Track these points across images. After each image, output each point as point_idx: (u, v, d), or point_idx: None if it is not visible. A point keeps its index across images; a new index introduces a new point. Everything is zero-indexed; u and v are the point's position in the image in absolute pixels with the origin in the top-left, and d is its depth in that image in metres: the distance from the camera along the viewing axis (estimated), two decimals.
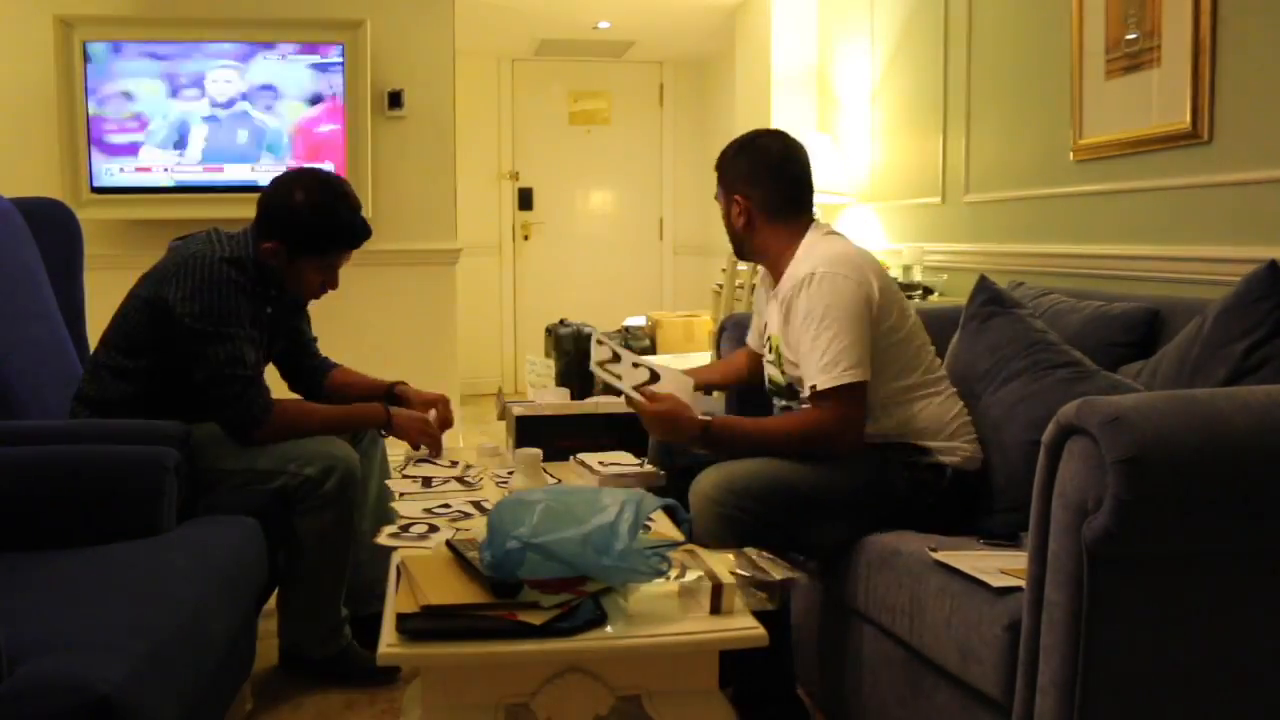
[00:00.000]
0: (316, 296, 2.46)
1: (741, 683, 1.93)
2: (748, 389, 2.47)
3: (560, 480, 2.17)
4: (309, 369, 2.66)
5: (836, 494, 1.97)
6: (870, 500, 1.97)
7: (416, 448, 2.44)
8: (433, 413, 2.51)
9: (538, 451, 2.00)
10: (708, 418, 2.05)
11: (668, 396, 2.08)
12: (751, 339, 2.49)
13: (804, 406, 2.10)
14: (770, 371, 2.25)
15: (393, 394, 2.59)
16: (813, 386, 2.00)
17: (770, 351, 2.24)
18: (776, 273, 2.21)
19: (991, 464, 2.05)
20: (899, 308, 2.09)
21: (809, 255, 2.11)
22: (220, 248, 2.26)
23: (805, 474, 1.97)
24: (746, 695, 1.93)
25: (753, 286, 4.28)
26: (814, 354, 2.00)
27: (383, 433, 2.53)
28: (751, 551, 1.65)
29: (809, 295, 2.02)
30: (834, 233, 2.20)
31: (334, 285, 2.43)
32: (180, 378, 2.24)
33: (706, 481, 1.92)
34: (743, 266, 4.53)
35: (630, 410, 2.12)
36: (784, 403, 2.24)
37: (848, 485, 1.98)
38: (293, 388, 2.66)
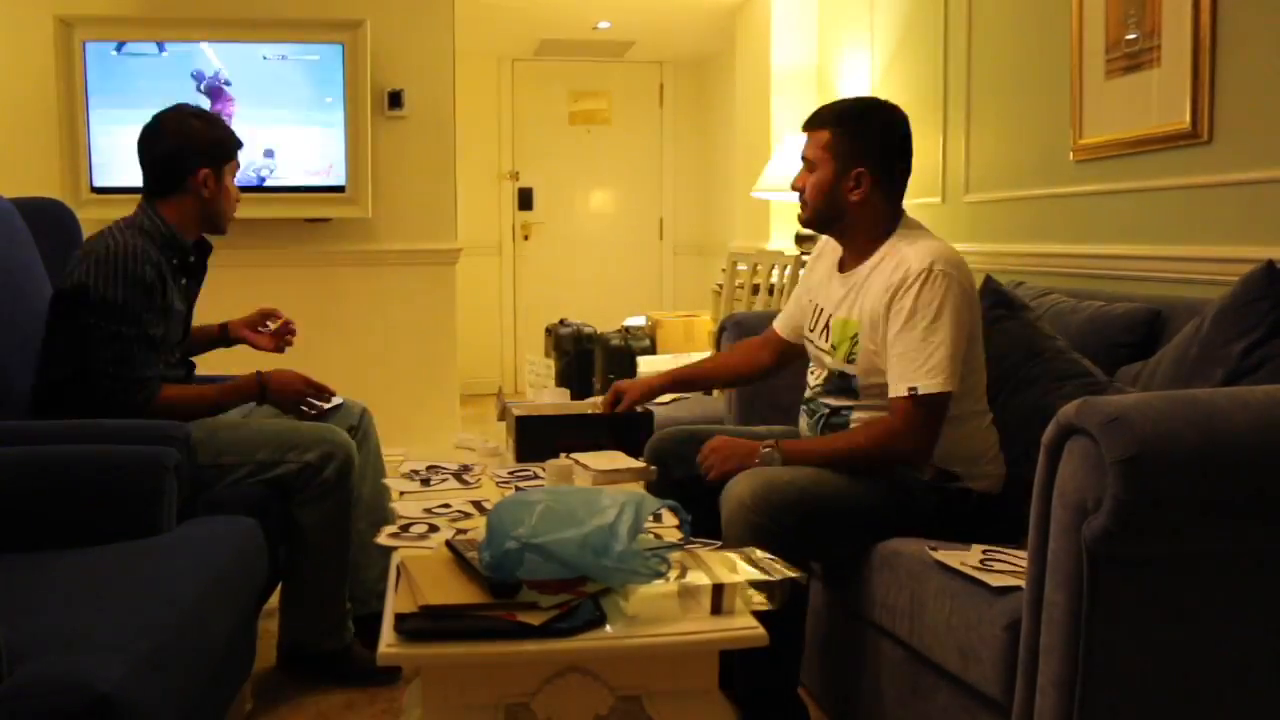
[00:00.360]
0: (234, 211, 2.48)
1: (744, 682, 1.93)
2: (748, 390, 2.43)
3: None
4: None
5: (865, 511, 1.92)
6: (896, 518, 1.93)
7: (302, 415, 2.42)
8: (271, 326, 2.58)
9: (569, 463, 1.99)
10: (770, 444, 2.00)
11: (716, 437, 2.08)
12: (785, 325, 2.36)
13: (859, 411, 2.03)
14: (823, 359, 2.13)
15: (225, 332, 2.63)
16: (911, 389, 1.90)
17: (825, 337, 2.14)
18: (858, 254, 2.08)
19: (1015, 477, 2.03)
20: (980, 333, 2.03)
21: (919, 246, 1.98)
22: (122, 240, 2.25)
23: (839, 490, 1.92)
24: (748, 694, 1.93)
25: (755, 286, 4.28)
26: (921, 353, 1.89)
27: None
28: (753, 551, 1.65)
29: (929, 290, 1.90)
30: (924, 228, 2.10)
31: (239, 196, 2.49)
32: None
33: (743, 489, 1.86)
34: (742, 266, 4.52)
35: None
36: (827, 400, 2.12)
37: (877, 503, 1.94)
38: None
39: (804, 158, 2.12)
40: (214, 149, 2.38)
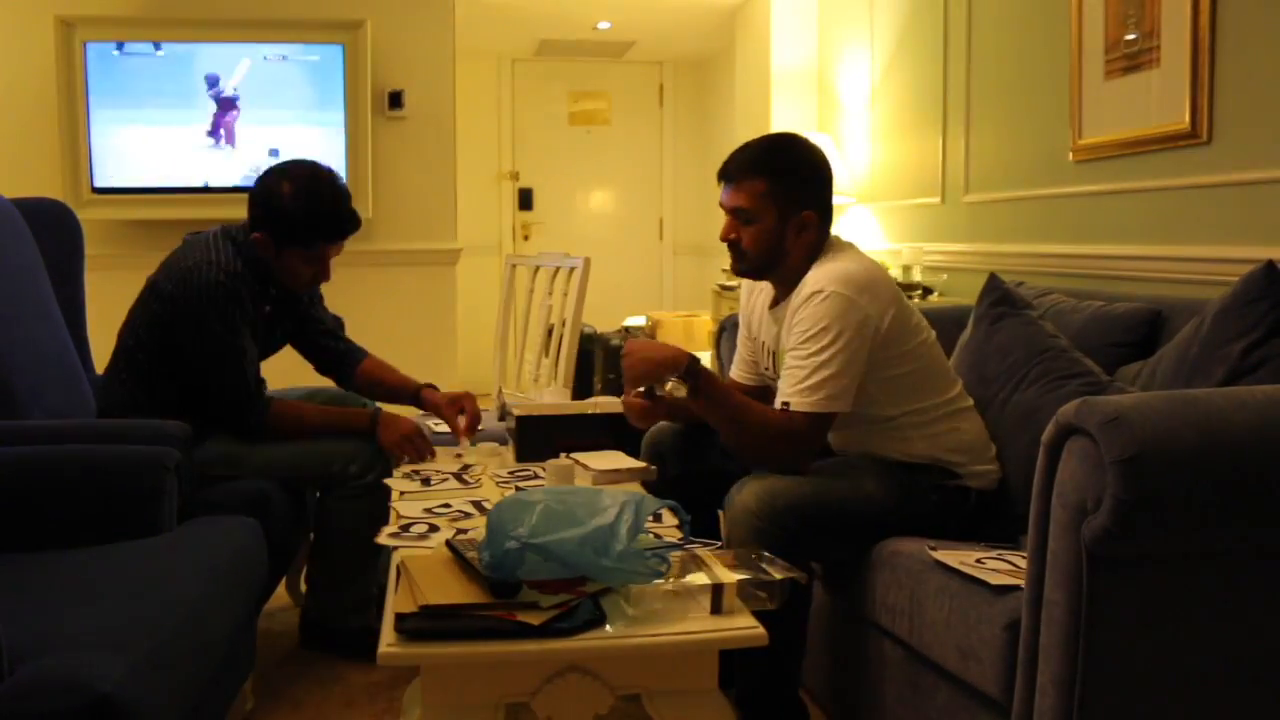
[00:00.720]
0: (307, 289, 2.50)
1: (744, 682, 1.93)
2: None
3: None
4: (334, 355, 2.67)
5: (869, 515, 1.93)
6: (899, 521, 1.93)
7: (399, 460, 2.41)
8: (462, 419, 2.54)
9: (569, 463, 1.99)
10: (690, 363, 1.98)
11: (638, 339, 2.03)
12: (742, 372, 2.34)
13: (836, 434, 2.05)
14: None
15: (419, 396, 2.62)
16: (785, 404, 1.93)
17: (775, 370, 2.15)
18: (787, 287, 2.08)
19: (1003, 474, 2.04)
20: (914, 329, 2.02)
21: (822, 271, 2.00)
22: (217, 257, 2.29)
23: (843, 494, 1.93)
24: (749, 695, 1.93)
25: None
26: (798, 372, 1.93)
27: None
28: (753, 552, 1.65)
29: (812, 311, 1.93)
30: (847, 245, 2.10)
31: (325, 277, 2.45)
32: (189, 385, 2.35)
33: (748, 494, 1.86)
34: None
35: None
36: None
37: (879, 507, 1.94)
38: (322, 372, 2.69)
39: (735, 208, 2.05)
40: (278, 224, 2.31)
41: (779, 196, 2.02)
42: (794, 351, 1.96)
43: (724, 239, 2.09)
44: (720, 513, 2.34)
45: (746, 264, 2.09)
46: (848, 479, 1.97)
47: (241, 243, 2.35)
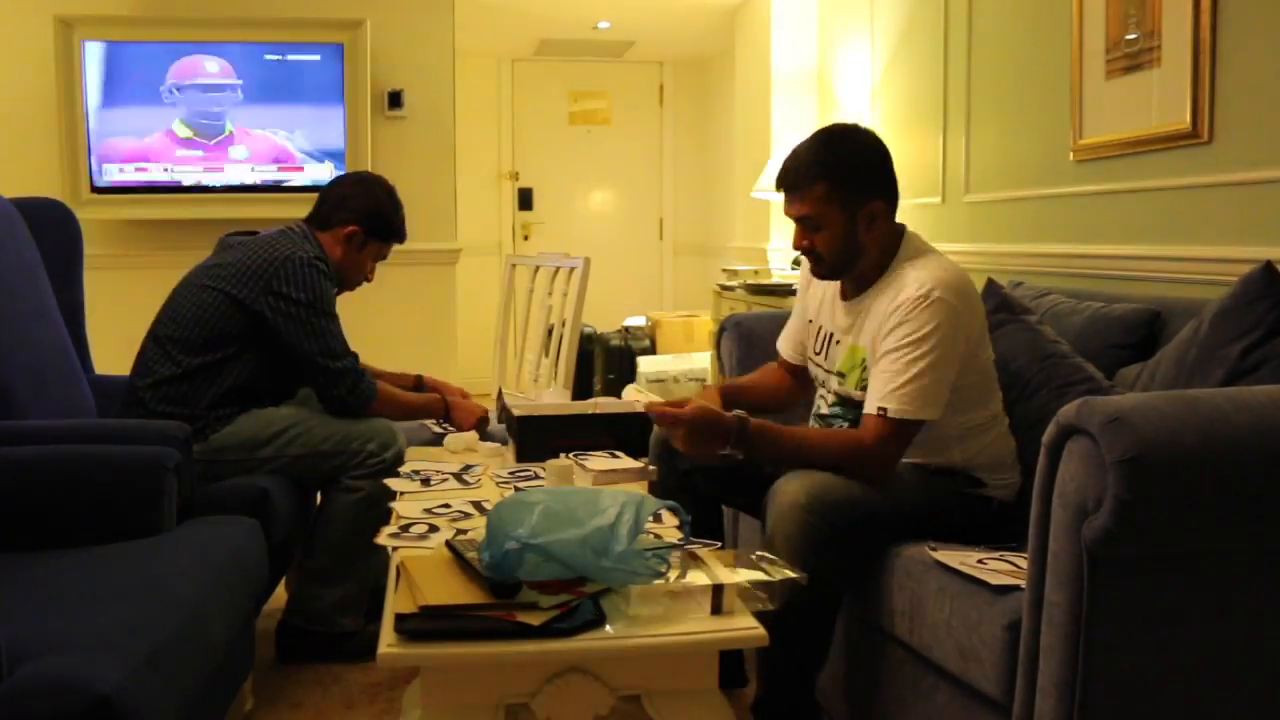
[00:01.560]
0: (357, 286, 2.69)
1: (765, 686, 1.92)
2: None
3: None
4: None
5: (903, 515, 1.92)
6: (927, 524, 1.92)
7: (471, 429, 2.61)
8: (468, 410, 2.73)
9: (569, 463, 1.99)
10: (741, 414, 1.94)
11: (691, 401, 1.97)
12: (788, 347, 2.31)
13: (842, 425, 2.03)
14: (835, 386, 2.10)
15: (421, 385, 2.83)
16: (881, 410, 1.88)
17: (833, 364, 2.10)
18: (863, 281, 2.04)
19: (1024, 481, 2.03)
20: (988, 342, 2.01)
21: (920, 270, 1.94)
22: (308, 250, 2.47)
23: (885, 495, 1.90)
24: (766, 698, 1.92)
25: (756, 286, 4.28)
26: (898, 376, 1.87)
27: (442, 423, 2.72)
28: (753, 552, 1.65)
29: (921, 314, 1.87)
30: (927, 245, 2.05)
31: (371, 277, 2.69)
32: (272, 366, 2.45)
33: (796, 487, 1.83)
34: (740, 267, 4.51)
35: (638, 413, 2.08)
36: (844, 424, 2.08)
37: (911, 508, 1.93)
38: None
39: (802, 216, 2.01)
40: (376, 220, 2.59)
41: (841, 197, 1.98)
42: (894, 354, 1.89)
43: (797, 248, 2.06)
44: (723, 508, 2.35)
45: (826, 268, 2.05)
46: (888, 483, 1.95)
47: (314, 241, 2.53)
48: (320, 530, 2.45)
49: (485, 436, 2.62)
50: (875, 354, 1.96)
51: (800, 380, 2.31)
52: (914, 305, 1.89)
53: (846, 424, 2.07)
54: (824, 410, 2.17)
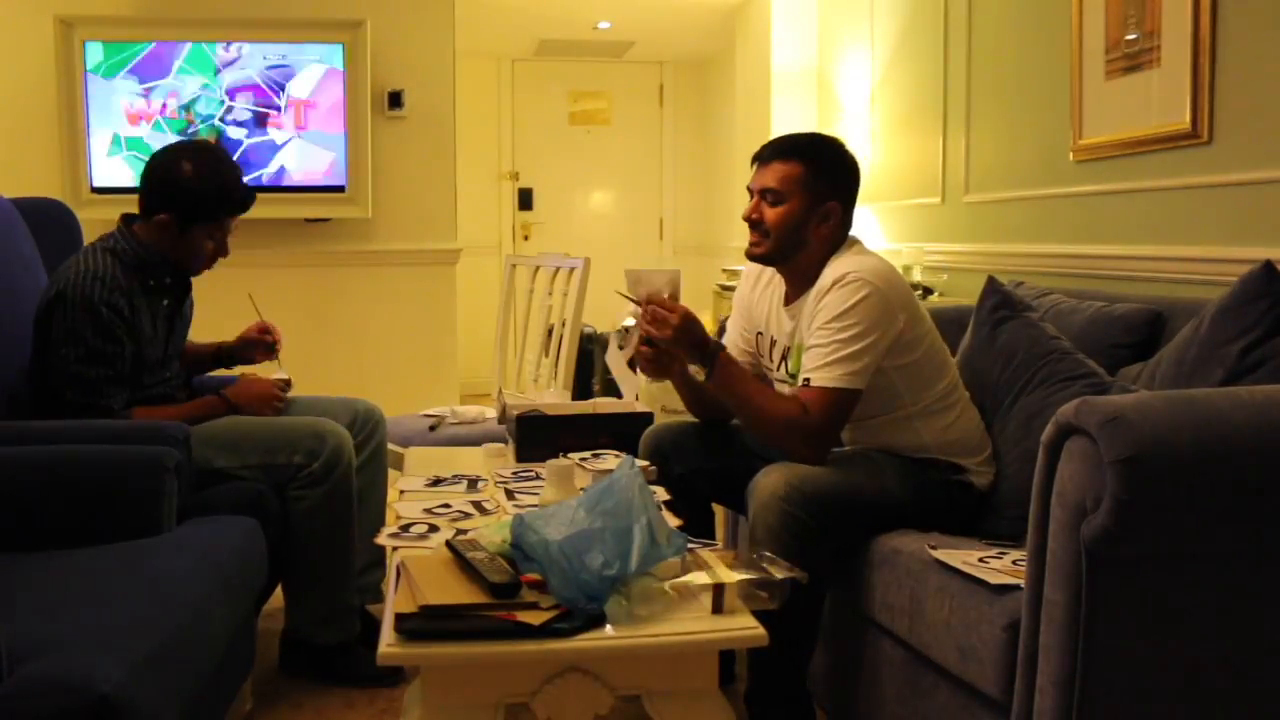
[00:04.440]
0: (209, 266, 2.45)
1: (753, 678, 1.94)
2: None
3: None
4: None
5: (886, 506, 1.95)
6: (913, 514, 1.96)
7: (278, 413, 2.45)
8: (278, 352, 2.60)
9: (569, 463, 1.99)
10: (720, 341, 2.04)
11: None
12: (733, 343, 2.35)
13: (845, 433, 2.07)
14: (785, 389, 2.16)
15: (221, 355, 2.66)
16: (806, 380, 1.98)
17: (779, 362, 2.19)
18: (803, 282, 2.13)
19: (1007, 474, 2.05)
20: (921, 316, 2.07)
21: (844, 261, 2.06)
22: (93, 265, 2.24)
23: (865, 485, 1.96)
24: (757, 691, 1.93)
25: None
26: (823, 349, 1.97)
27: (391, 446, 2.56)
28: (755, 551, 1.65)
29: (840, 294, 1.98)
30: (861, 246, 2.15)
31: (225, 252, 2.43)
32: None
33: (775, 479, 1.88)
34: (739, 267, 4.52)
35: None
36: None
37: (896, 499, 1.97)
38: None
39: (765, 189, 2.11)
40: (183, 201, 2.31)
41: (809, 183, 2.09)
42: (819, 331, 1.99)
43: (747, 218, 2.14)
44: (714, 506, 2.35)
45: (766, 247, 2.13)
46: (866, 470, 2.00)
47: (121, 248, 2.31)
48: (285, 543, 2.34)
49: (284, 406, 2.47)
50: (807, 345, 2.04)
51: None
52: (834, 288, 2.00)
53: None
54: None
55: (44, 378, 2.26)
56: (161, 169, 2.34)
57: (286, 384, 2.54)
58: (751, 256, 2.17)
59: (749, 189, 2.17)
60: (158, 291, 2.37)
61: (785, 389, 2.16)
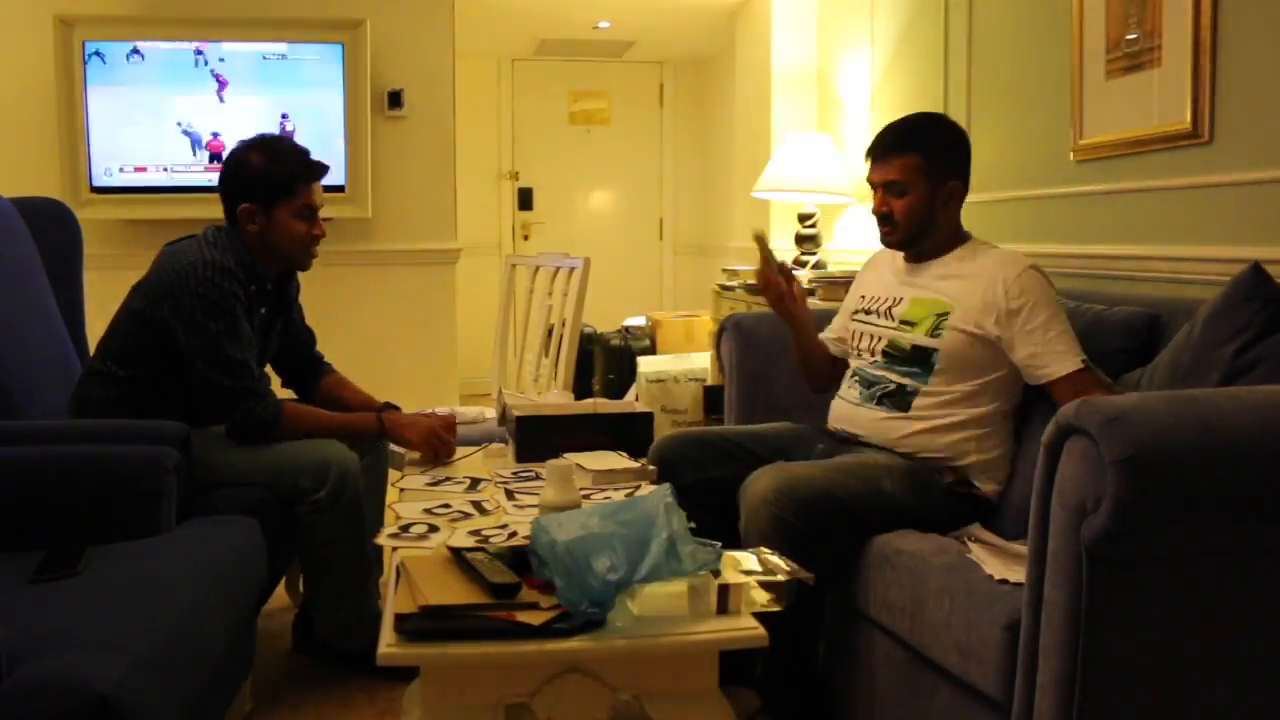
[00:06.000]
0: (310, 249, 2.43)
1: (767, 669, 1.95)
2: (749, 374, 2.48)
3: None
4: (308, 364, 2.65)
5: (881, 510, 1.95)
6: (908, 519, 1.96)
7: (427, 454, 2.39)
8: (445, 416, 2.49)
9: (569, 463, 1.99)
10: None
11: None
12: (832, 337, 2.45)
13: (927, 387, 2.10)
14: (886, 334, 2.20)
15: (380, 421, 2.47)
16: (1075, 371, 1.99)
17: (895, 319, 2.20)
18: (930, 252, 2.21)
19: (1024, 476, 2.04)
20: None
21: (995, 248, 2.18)
22: (210, 255, 2.26)
23: (858, 488, 1.95)
24: (767, 681, 1.94)
25: (753, 285, 4.27)
26: (1062, 340, 2.01)
27: (391, 446, 2.51)
28: (759, 551, 1.65)
29: (1041, 284, 2.06)
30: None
31: (321, 232, 2.42)
32: (172, 386, 2.28)
33: (764, 484, 1.89)
34: (739, 267, 4.51)
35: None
36: (889, 374, 2.17)
37: (893, 503, 1.97)
38: (289, 383, 2.65)
39: (887, 182, 2.19)
40: (259, 183, 2.34)
41: (930, 169, 2.16)
42: (1046, 323, 2.02)
43: (876, 213, 2.22)
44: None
45: (898, 235, 2.21)
46: (860, 473, 1.99)
47: (225, 243, 2.32)
48: (301, 557, 2.38)
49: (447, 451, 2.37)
50: (986, 315, 2.07)
51: (835, 372, 2.42)
52: (1023, 275, 2.06)
53: (895, 374, 2.16)
54: (860, 364, 2.26)
55: (172, 377, 2.26)
56: (232, 165, 2.41)
57: (453, 424, 2.43)
58: (886, 244, 2.27)
59: (870, 182, 2.24)
60: (258, 297, 2.38)
61: (883, 334, 2.21)
